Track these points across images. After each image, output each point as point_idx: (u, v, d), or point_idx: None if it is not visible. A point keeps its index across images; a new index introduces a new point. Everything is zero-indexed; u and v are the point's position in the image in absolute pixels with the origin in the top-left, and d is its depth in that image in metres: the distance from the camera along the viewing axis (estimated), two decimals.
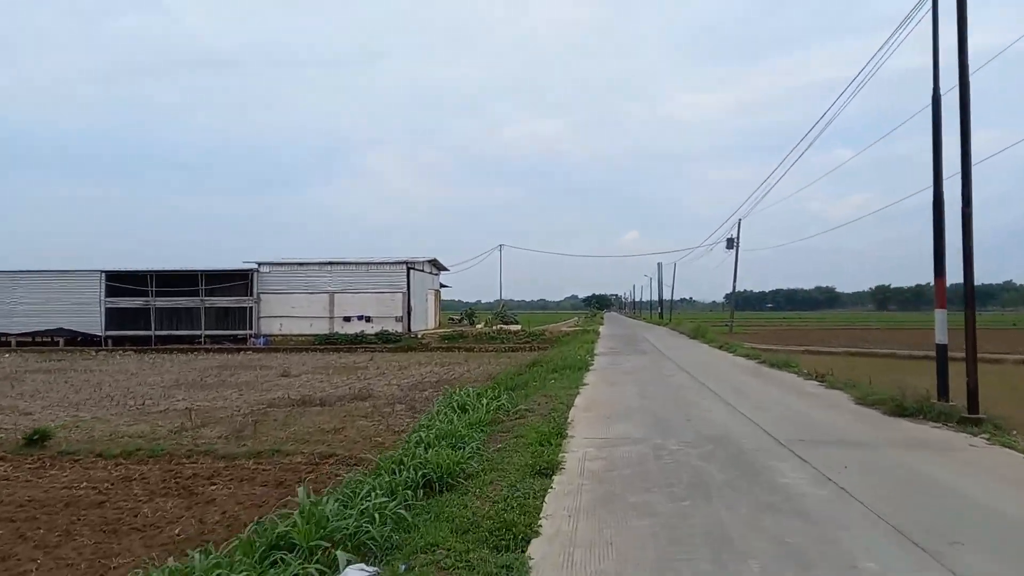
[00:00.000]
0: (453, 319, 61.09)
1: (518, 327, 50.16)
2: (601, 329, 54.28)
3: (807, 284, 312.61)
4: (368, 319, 48.58)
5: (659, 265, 74.43)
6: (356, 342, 46.96)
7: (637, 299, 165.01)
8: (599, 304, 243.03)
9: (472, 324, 58.80)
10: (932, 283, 11.83)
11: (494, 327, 50.29)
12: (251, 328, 47.73)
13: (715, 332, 44.39)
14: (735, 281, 58.78)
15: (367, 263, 48.89)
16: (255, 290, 48.15)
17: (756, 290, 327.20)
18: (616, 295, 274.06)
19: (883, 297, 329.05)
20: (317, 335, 47.35)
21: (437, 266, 57.20)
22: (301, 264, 48.84)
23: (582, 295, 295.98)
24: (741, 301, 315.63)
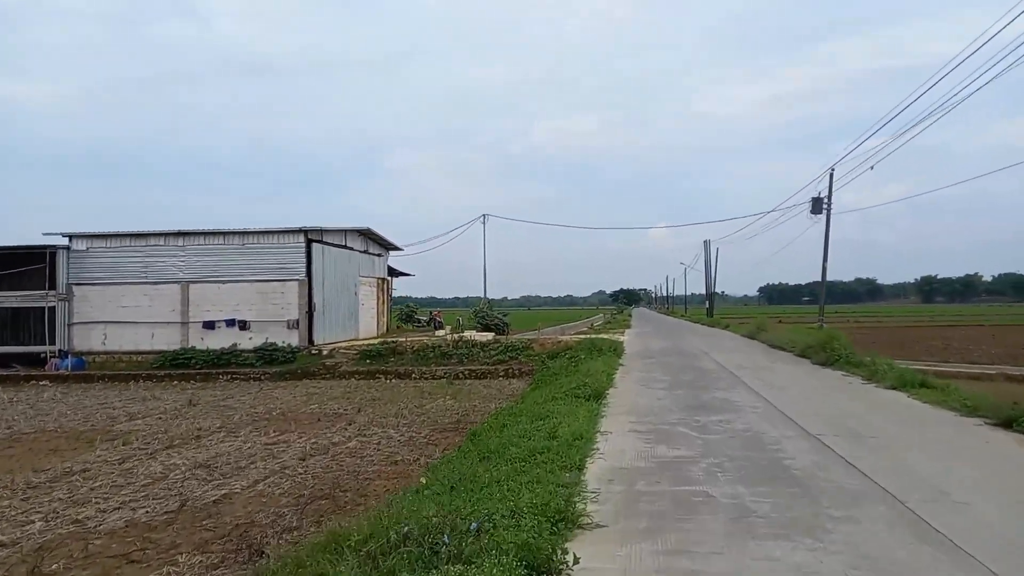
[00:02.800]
0: (421, 321, 41.20)
1: (490, 336, 29.95)
2: (627, 337, 33.98)
3: (845, 276, 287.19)
4: (244, 325, 29.03)
5: (706, 243, 53.75)
6: (222, 363, 27.57)
7: (669, 293, 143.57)
8: (627, 299, 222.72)
9: (437, 328, 39.17)
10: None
11: (456, 335, 30.44)
12: (55, 341, 28.43)
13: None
14: (826, 257, 38.08)
15: (242, 232, 29.27)
16: (61, 279, 28.87)
17: (792, 283, 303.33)
18: (645, 290, 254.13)
19: (929, 289, 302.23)
20: (163, 352, 28.03)
21: (377, 242, 37.32)
22: (136, 236, 29.39)
23: (609, 290, 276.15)
24: (776, 294, 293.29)
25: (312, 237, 29.15)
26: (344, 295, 32.24)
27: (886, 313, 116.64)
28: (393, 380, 26.46)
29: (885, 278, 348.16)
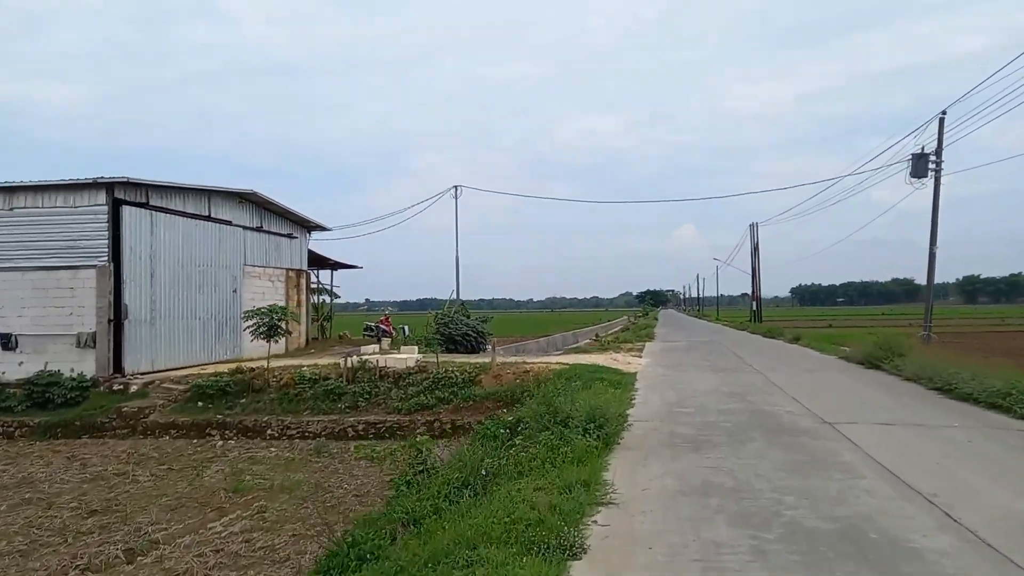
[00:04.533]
0: (369, 329, 29.19)
1: (415, 361, 17.65)
2: (646, 361, 21.47)
3: (881, 276, 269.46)
4: (8, 341, 17.44)
5: (752, 227, 40.83)
6: None
7: (699, 293, 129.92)
8: (654, 301, 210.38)
9: (382, 338, 27.25)
10: None
11: (364, 358, 18.46)
12: None
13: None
14: (934, 239, 25.81)
15: (7, 188, 17.69)
16: None
17: (824, 283, 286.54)
18: (672, 291, 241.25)
19: (972, 288, 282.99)
20: None
21: (281, 215, 25.55)
22: None
23: (636, 291, 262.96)
24: (808, 296, 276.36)
25: (124, 196, 17.44)
26: (205, 293, 20.47)
27: (941, 316, 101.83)
28: (226, 442, 14.77)
29: (924, 278, 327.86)
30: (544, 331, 63.14)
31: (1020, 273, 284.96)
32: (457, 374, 16.09)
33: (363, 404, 15.74)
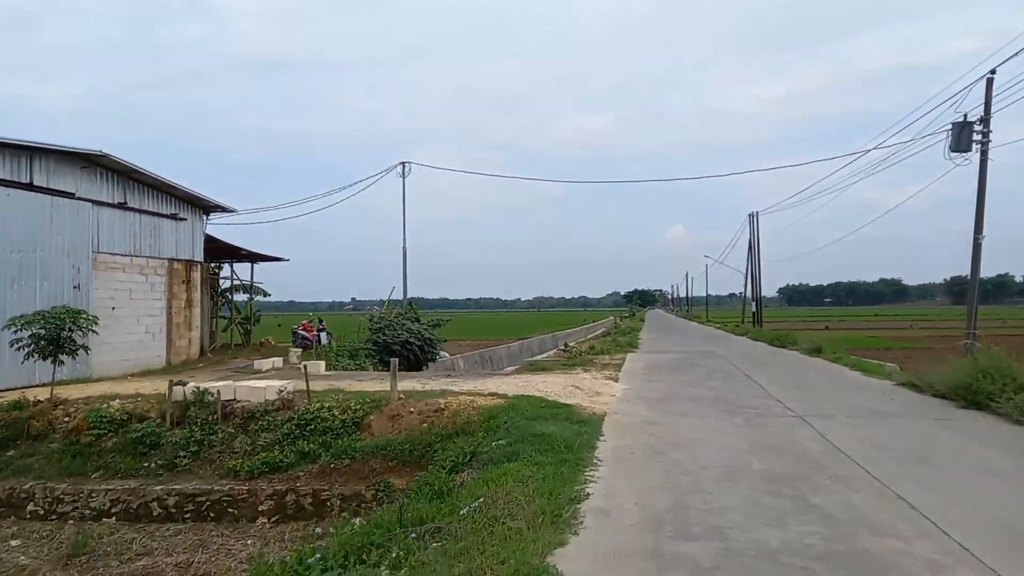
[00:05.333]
0: (299, 334, 23.35)
1: (276, 390, 12.03)
2: (630, 371, 15.99)
3: (868, 276, 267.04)
4: None
5: (752, 216, 35.39)
6: None
7: (688, 293, 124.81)
8: (642, 301, 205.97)
9: (312, 346, 21.60)
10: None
11: (299, 360, 12.91)
12: None
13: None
14: (979, 225, 20.41)
15: None
16: None
17: (812, 283, 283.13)
18: (660, 291, 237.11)
19: (959, 289, 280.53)
20: None
21: (160, 189, 19.80)
22: None
23: (624, 291, 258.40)
24: (796, 296, 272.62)
25: None
26: (24, 290, 14.78)
27: (941, 318, 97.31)
28: None
29: (910, 278, 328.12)
30: (524, 333, 57.18)
31: (1007, 274, 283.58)
32: (335, 414, 10.51)
33: (186, 461, 10.15)
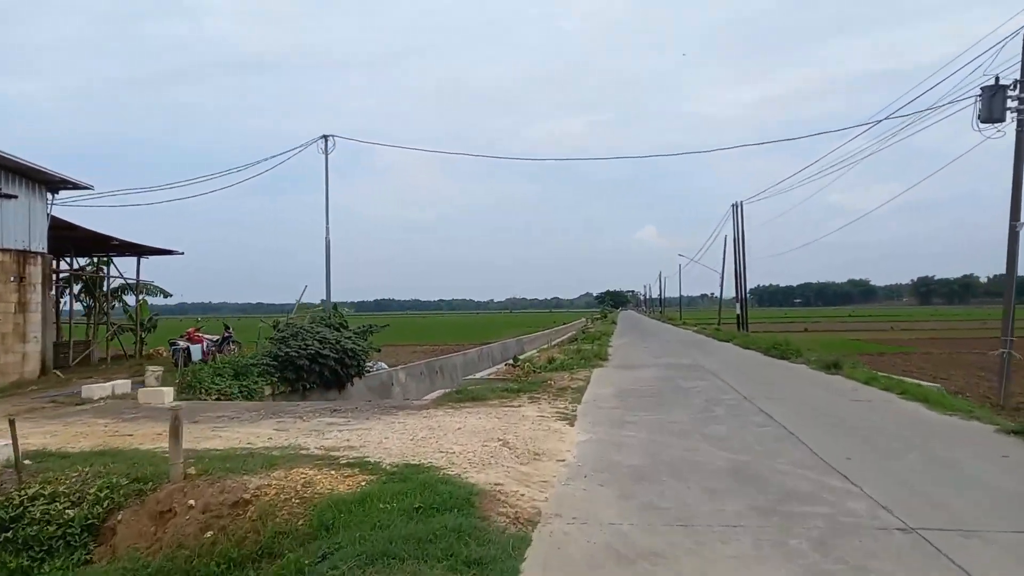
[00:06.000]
0: (178, 345, 18.17)
1: None
2: (591, 406, 11.52)
3: (837, 277, 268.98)
4: None
5: (736, 207, 31.05)
6: None
7: (658, 294, 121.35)
8: (614, 302, 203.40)
9: (190, 361, 16.74)
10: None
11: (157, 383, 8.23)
12: None
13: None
14: (1018, 197, 16.68)
15: None
16: None
17: (782, 284, 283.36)
18: (632, 291, 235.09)
19: (926, 290, 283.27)
20: None
21: None
22: None
23: (596, 292, 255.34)
24: (767, 297, 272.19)
25: None
26: None
27: (921, 318, 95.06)
28: None
29: (878, 279, 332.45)
30: (491, 336, 51.79)
31: (972, 274, 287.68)
32: (59, 508, 5.78)
33: None
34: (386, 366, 24.60)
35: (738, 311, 30.11)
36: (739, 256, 29.41)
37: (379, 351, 23.65)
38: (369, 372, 20.92)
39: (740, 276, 29.69)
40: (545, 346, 33.13)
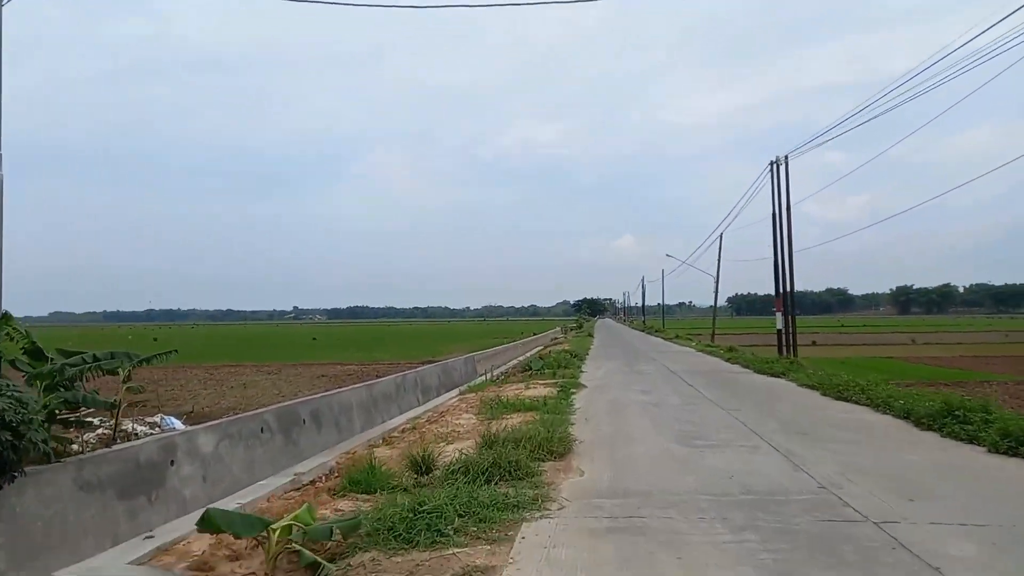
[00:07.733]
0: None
1: None
2: None
3: (814, 286, 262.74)
4: None
5: (774, 164, 20.73)
6: None
7: (639, 301, 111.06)
8: (591, 310, 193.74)
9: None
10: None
11: None
12: None
13: None
14: None
15: None
16: None
17: (760, 293, 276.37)
18: (610, 299, 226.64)
19: (905, 299, 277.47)
20: None
21: None
22: None
23: (573, 300, 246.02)
24: (745, 306, 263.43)
25: None
26: None
27: (900, 327, 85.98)
28: None
29: (856, 288, 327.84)
30: (444, 350, 39.71)
31: (949, 284, 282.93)
32: None
33: None
34: (177, 423, 13.32)
35: (779, 325, 19.21)
36: (781, 240, 18.61)
37: (141, 391, 12.53)
38: (114, 444, 9.77)
39: (781, 268, 18.85)
40: (495, 368, 21.52)
